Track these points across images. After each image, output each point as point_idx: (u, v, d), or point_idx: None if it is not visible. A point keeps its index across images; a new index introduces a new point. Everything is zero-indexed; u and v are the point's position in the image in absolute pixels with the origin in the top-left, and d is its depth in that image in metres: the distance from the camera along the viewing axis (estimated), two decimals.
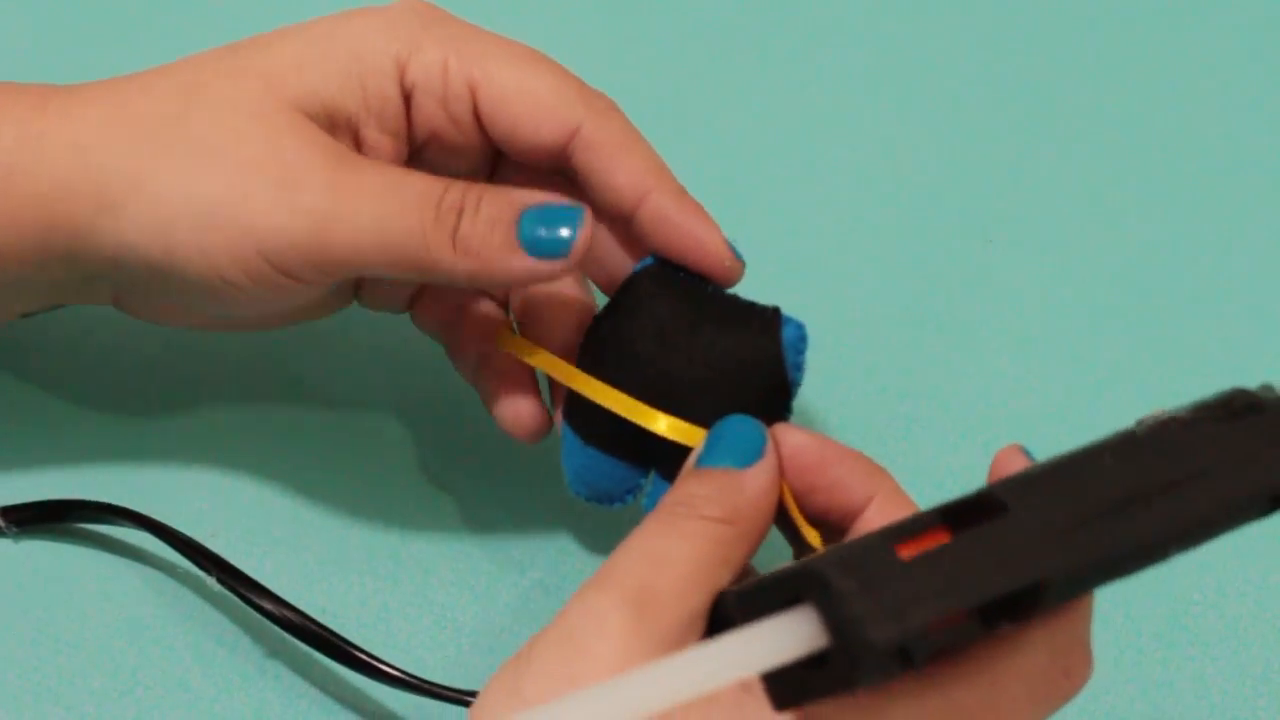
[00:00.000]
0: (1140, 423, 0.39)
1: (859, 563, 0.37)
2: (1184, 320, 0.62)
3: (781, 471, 0.45)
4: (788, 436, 0.46)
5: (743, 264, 0.50)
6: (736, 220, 0.63)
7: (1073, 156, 0.66)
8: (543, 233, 0.47)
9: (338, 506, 0.55)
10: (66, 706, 0.51)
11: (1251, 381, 0.60)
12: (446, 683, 0.50)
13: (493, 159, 0.52)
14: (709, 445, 0.45)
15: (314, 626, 0.50)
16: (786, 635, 0.37)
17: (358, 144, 0.49)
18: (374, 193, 0.46)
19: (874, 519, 0.45)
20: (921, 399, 0.59)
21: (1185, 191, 0.65)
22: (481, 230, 0.47)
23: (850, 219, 0.63)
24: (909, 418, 0.59)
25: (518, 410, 0.51)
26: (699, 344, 0.48)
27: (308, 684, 0.52)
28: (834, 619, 0.36)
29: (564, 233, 0.46)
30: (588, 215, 0.47)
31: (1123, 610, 0.56)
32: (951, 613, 0.36)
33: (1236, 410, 0.39)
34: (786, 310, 0.49)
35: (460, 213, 0.47)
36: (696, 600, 0.41)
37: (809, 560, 0.38)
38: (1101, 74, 0.68)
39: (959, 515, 0.38)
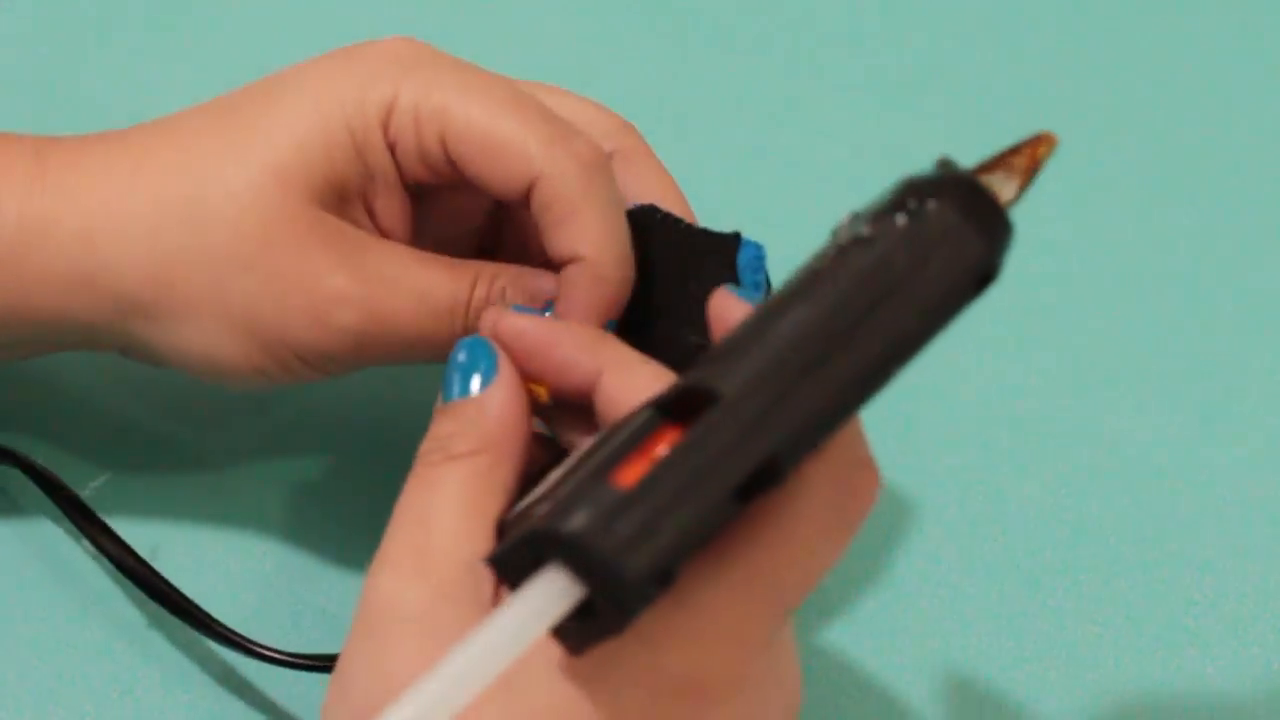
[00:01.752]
0: (824, 252, 0.38)
1: (587, 503, 0.36)
2: (1184, 320, 0.62)
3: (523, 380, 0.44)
4: (504, 324, 0.44)
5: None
6: (735, 220, 0.63)
7: (1073, 155, 0.65)
8: None
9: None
10: None
11: (1254, 382, 0.60)
12: None
13: (495, 203, 0.52)
14: (445, 380, 0.44)
15: (186, 604, 0.50)
16: (547, 598, 0.36)
17: (371, 214, 0.49)
18: (408, 310, 0.47)
19: (610, 393, 0.43)
20: (921, 399, 0.59)
21: (1186, 191, 0.65)
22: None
23: None
24: (909, 418, 0.59)
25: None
26: (671, 279, 0.49)
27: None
28: (583, 571, 0.36)
29: None
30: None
31: (1123, 610, 0.56)
32: (692, 524, 0.36)
33: (911, 209, 0.38)
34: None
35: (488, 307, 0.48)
36: (475, 542, 0.41)
37: (540, 518, 0.37)
38: (1101, 74, 0.68)
39: (673, 410, 0.38)
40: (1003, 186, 0.40)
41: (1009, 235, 0.39)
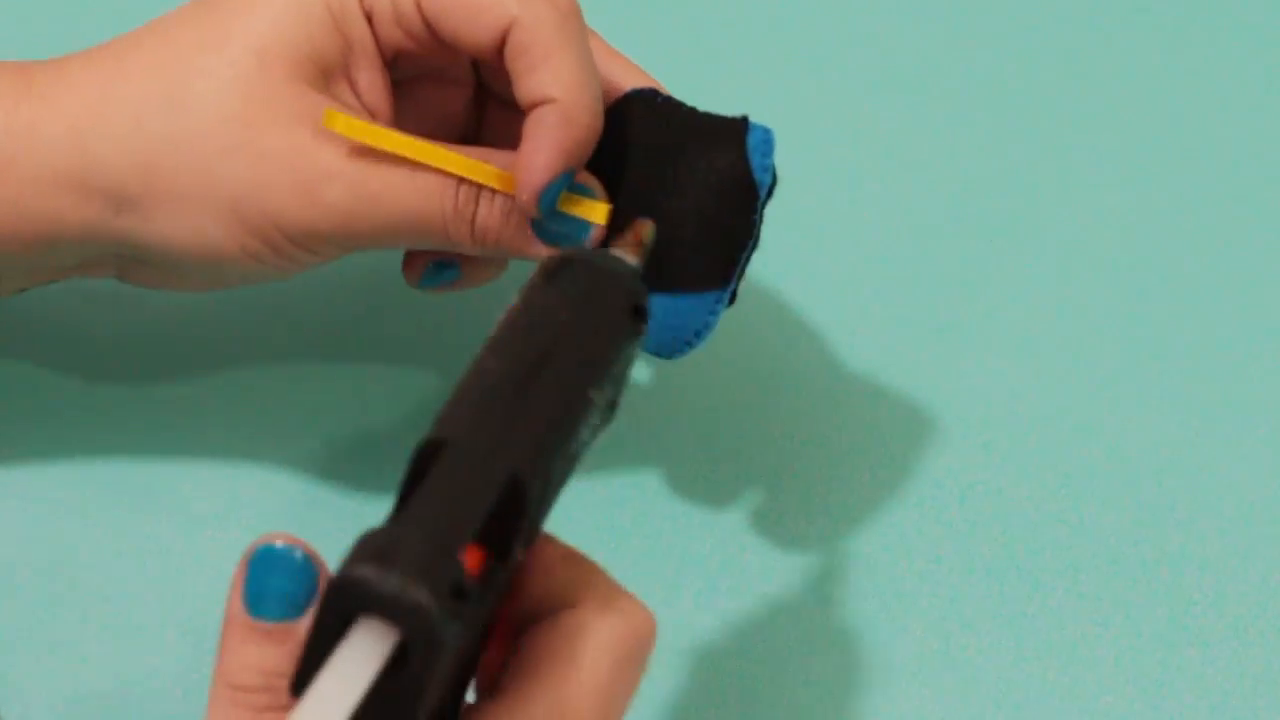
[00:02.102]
0: (505, 313, 0.42)
1: (361, 552, 0.37)
2: (1184, 320, 0.62)
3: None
4: None
5: (536, 214, 0.49)
6: None
7: (1075, 157, 0.66)
8: (555, 228, 0.49)
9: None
10: None
11: (1254, 382, 0.60)
12: None
13: (477, 93, 0.52)
14: (257, 590, 0.40)
15: None
16: (362, 653, 0.36)
17: (354, 88, 0.49)
18: (396, 186, 0.48)
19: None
20: (922, 398, 0.59)
21: (1187, 192, 0.65)
22: (497, 219, 0.48)
23: (850, 219, 0.63)
24: (909, 417, 0.59)
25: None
26: (672, 159, 0.50)
27: None
28: (379, 610, 0.36)
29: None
30: (603, 196, 0.49)
31: (1123, 610, 0.56)
32: (454, 538, 0.37)
33: (552, 271, 0.42)
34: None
35: (478, 198, 0.48)
36: None
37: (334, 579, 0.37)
38: (1105, 74, 0.68)
39: (421, 465, 0.39)
40: (625, 255, 0.44)
41: (638, 280, 0.43)
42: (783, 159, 0.63)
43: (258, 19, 0.48)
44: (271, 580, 0.39)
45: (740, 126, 0.50)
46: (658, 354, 0.51)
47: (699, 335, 0.51)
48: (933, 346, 0.61)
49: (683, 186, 0.50)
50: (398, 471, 0.56)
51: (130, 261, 0.50)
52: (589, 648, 0.40)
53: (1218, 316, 0.62)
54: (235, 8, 0.48)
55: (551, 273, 0.42)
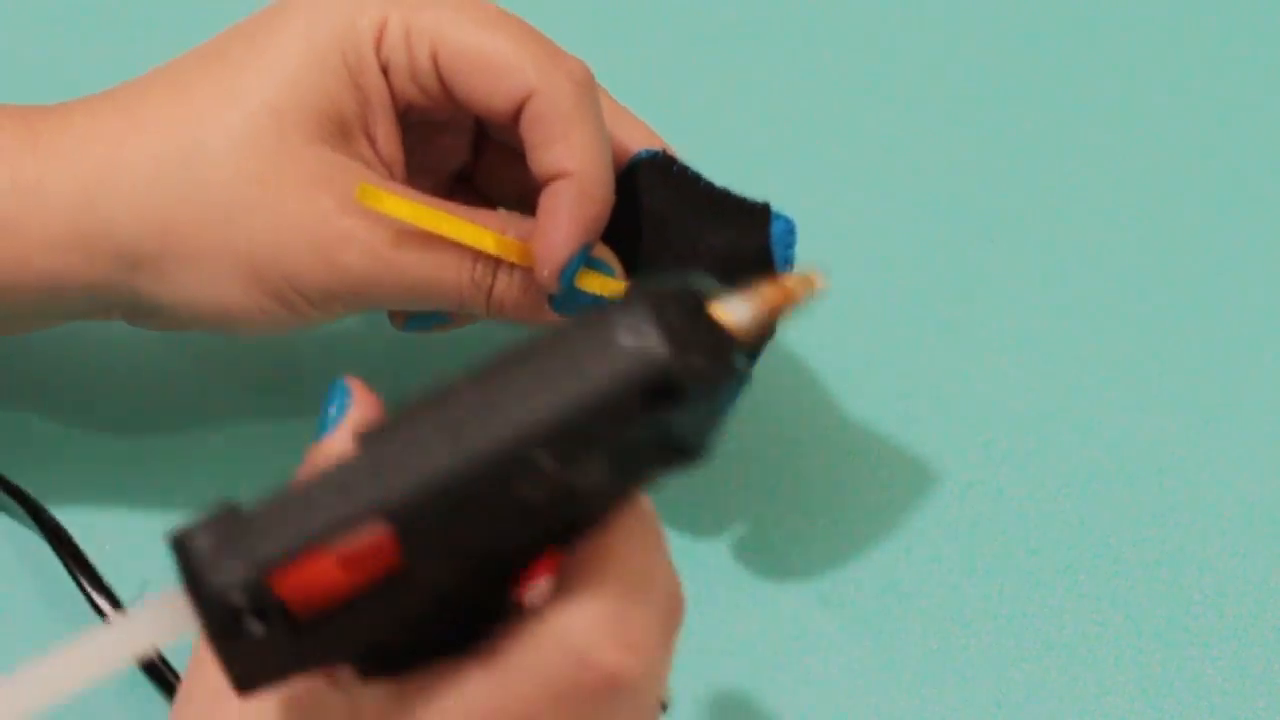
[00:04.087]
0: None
1: (212, 525, 0.35)
2: (1184, 320, 0.62)
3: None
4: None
5: (558, 290, 0.48)
6: None
7: (1075, 155, 0.66)
8: (570, 301, 0.49)
9: None
10: None
11: (1254, 382, 0.60)
12: None
13: (476, 136, 0.52)
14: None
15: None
16: (157, 618, 0.35)
17: (371, 142, 0.49)
18: (413, 254, 0.47)
19: None
20: (921, 399, 0.59)
21: (1187, 191, 0.65)
22: (515, 292, 0.48)
23: (850, 218, 0.63)
24: (909, 418, 0.59)
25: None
26: (689, 236, 0.49)
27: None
28: (187, 584, 0.35)
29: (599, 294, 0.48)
30: (619, 273, 0.48)
31: (1123, 611, 0.56)
32: (293, 552, 0.35)
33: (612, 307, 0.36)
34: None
35: (496, 271, 0.48)
36: None
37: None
38: (1104, 73, 0.68)
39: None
40: (737, 309, 0.36)
41: (711, 355, 0.36)
42: (783, 158, 0.63)
43: (274, 74, 0.47)
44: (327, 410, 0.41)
45: (764, 215, 0.49)
46: None
47: None
48: (933, 346, 0.61)
49: (691, 258, 0.49)
50: None
51: (140, 312, 0.49)
52: (522, 663, 0.36)
53: (1218, 316, 0.62)
54: (248, 61, 0.47)
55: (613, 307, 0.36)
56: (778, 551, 0.56)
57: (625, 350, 0.35)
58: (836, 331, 0.60)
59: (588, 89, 0.48)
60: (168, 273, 0.47)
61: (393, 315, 0.52)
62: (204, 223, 0.46)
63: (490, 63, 0.47)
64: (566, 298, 0.49)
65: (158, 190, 0.47)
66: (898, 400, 0.59)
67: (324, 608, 0.35)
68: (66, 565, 0.52)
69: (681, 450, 0.36)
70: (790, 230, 0.49)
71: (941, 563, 0.56)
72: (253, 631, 0.35)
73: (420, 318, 0.51)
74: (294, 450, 0.57)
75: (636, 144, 0.51)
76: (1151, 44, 0.68)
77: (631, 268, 0.49)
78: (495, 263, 0.48)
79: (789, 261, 0.49)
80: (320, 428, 0.41)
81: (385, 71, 0.48)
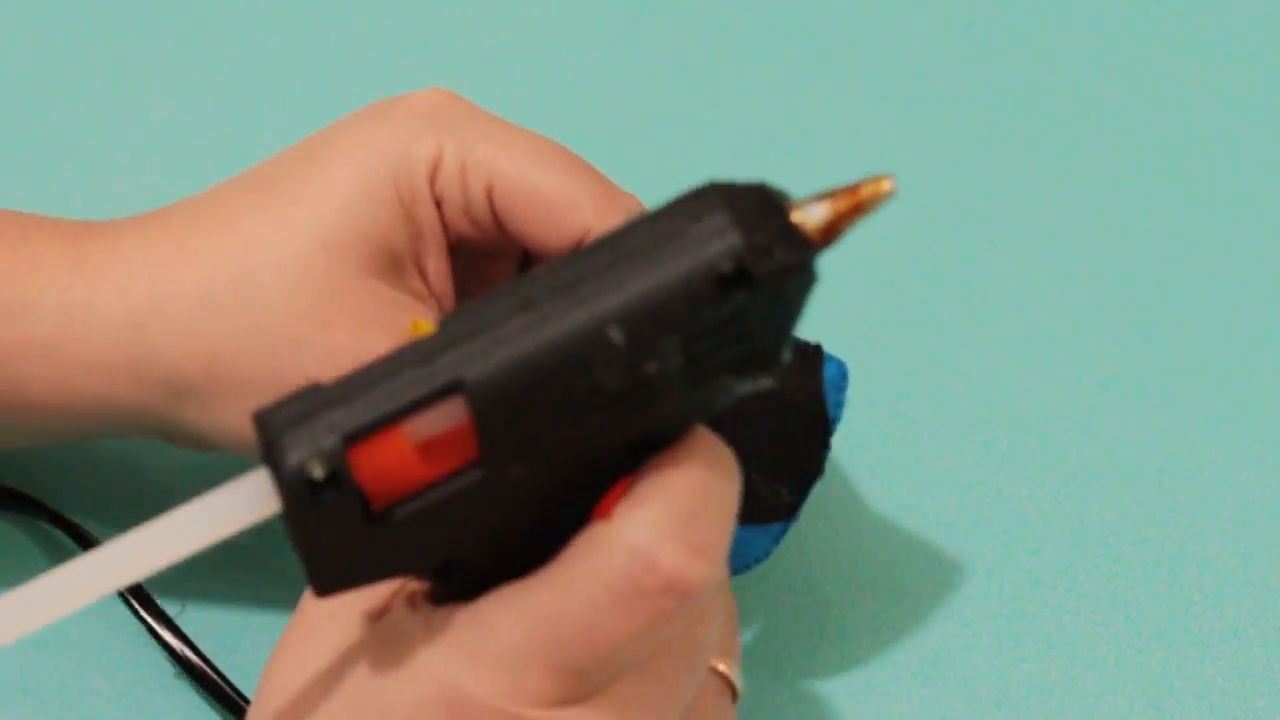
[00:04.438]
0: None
1: (292, 401, 0.36)
2: (1184, 320, 0.62)
3: None
4: None
5: None
6: None
7: (1074, 156, 0.66)
8: None
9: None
10: None
11: (1254, 382, 0.60)
12: None
13: (522, 260, 0.51)
14: None
15: (210, 674, 0.50)
16: (238, 497, 0.36)
17: (422, 275, 0.48)
18: None
19: None
20: (921, 399, 0.59)
21: (1186, 191, 0.65)
22: None
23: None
24: (909, 418, 0.59)
25: None
26: None
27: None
28: (265, 457, 0.35)
29: None
30: None
31: (1123, 610, 0.56)
32: (370, 424, 0.35)
33: (686, 197, 0.37)
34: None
35: None
36: None
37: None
38: (1103, 73, 0.68)
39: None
40: (811, 210, 0.38)
41: (784, 247, 0.37)
42: (782, 158, 0.63)
43: (325, 205, 0.46)
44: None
45: (816, 358, 0.48)
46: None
47: (759, 561, 0.50)
48: (933, 346, 0.61)
49: (753, 412, 0.46)
50: None
51: (180, 437, 0.49)
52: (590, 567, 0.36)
53: (1218, 317, 0.62)
54: (301, 188, 0.47)
55: (686, 197, 0.37)
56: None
57: (700, 234, 0.36)
58: (837, 331, 0.60)
59: None
60: (212, 403, 0.46)
61: None
62: (252, 355, 0.46)
63: (547, 199, 0.46)
64: None
65: (206, 319, 0.46)
66: (898, 400, 0.59)
67: (401, 496, 0.36)
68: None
69: (753, 353, 0.37)
70: (842, 374, 0.48)
71: (941, 563, 0.56)
72: (330, 503, 0.35)
73: None
74: None
75: None
76: (1151, 44, 0.68)
77: None
78: None
79: (839, 404, 0.48)
80: None
81: (439, 204, 0.47)
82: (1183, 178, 0.65)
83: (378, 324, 0.46)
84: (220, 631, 0.53)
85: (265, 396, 0.45)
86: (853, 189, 0.38)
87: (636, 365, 0.36)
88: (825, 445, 0.48)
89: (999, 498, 0.58)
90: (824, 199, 0.38)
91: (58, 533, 0.53)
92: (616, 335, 0.35)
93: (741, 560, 0.49)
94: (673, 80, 0.67)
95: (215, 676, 0.50)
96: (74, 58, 0.65)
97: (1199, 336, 0.61)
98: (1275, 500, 0.58)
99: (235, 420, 0.46)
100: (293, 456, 0.35)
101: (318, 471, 0.35)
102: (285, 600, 0.52)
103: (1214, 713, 0.54)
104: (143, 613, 0.51)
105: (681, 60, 0.67)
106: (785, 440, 0.46)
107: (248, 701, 0.49)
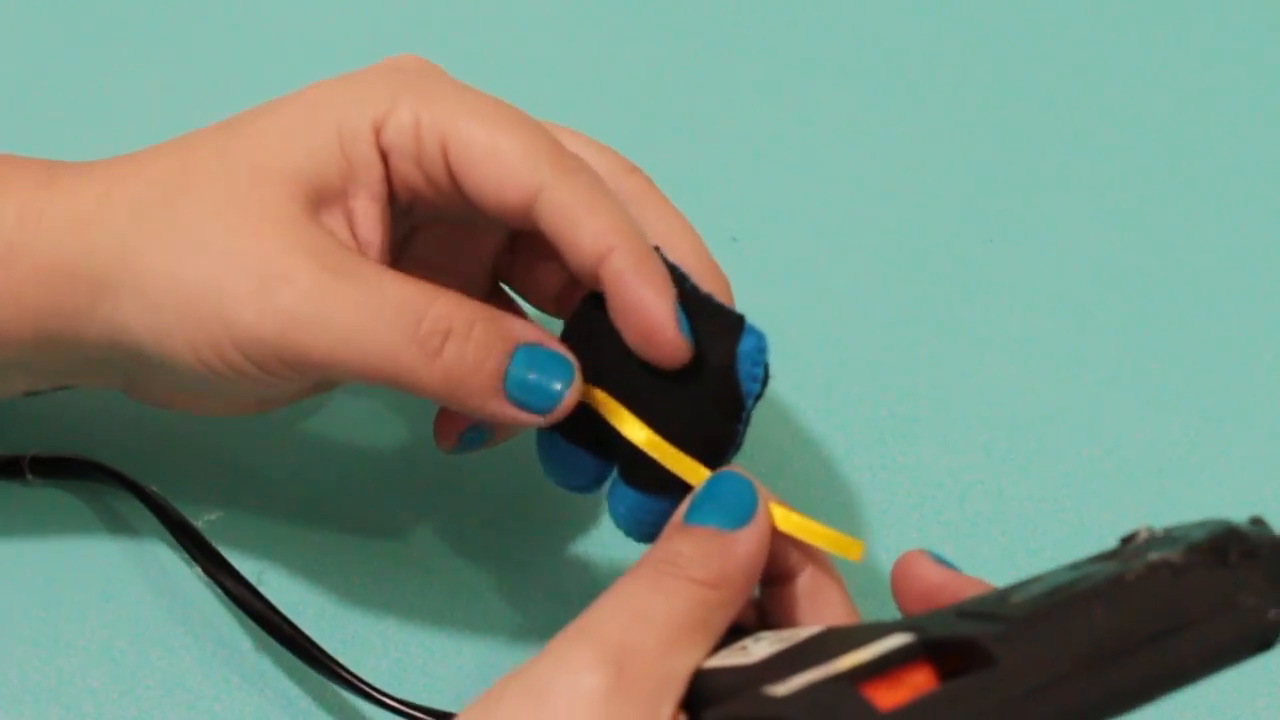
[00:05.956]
0: (1127, 557, 0.39)
1: (829, 709, 0.36)
2: (1184, 320, 0.62)
3: (771, 529, 0.45)
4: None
5: (687, 343, 0.46)
6: (736, 220, 0.63)
7: (1073, 156, 0.66)
8: (532, 377, 0.46)
9: (346, 508, 0.56)
10: (65, 706, 0.52)
11: (1254, 382, 0.60)
12: (431, 700, 0.50)
13: (512, 239, 0.52)
14: (699, 502, 0.44)
15: (294, 633, 0.50)
16: None
17: (349, 216, 0.48)
18: (352, 301, 0.45)
19: (807, 593, 0.45)
20: (921, 399, 0.59)
21: (1186, 192, 0.65)
22: (470, 361, 0.46)
23: (850, 218, 0.63)
24: (909, 418, 0.59)
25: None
26: None
27: (293, 684, 0.52)
28: None
29: (556, 386, 0.46)
30: (579, 374, 0.46)
31: None
32: None
33: (1227, 555, 0.38)
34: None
35: (448, 336, 0.45)
36: (675, 662, 0.40)
37: (772, 698, 0.37)
38: (1102, 73, 0.68)
39: (939, 655, 0.37)
40: None
41: None
42: (782, 158, 0.63)
43: (264, 134, 0.47)
44: (720, 489, 0.45)
45: (737, 328, 0.47)
46: (626, 534, 0.49)
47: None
48: (933, 346, 0.61)
49: (669, 380, 0.47)
50: (408, 480, 0.56)
51: (124, 372, 0.50)
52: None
53: (1217, 317, 0.62)
54: (248, 126, 0.48)
55: (1229, 560, 0.38)
56: None
57: (1248, 605, 0.37)
58: (837, 332, 0.61)
59: (601, 180, 0.47)
60: (120, 297, 0.47)
61: (440, 437, 0.52)
62: (157, 250, 0.46)
63: (503, 160, 0.47)
64: (523, 385, 0.46)
65: (136, 223, 0.47)
66: (898, 400, 0.59)
67: None
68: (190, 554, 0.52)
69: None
70: (760, 347, 0.47)
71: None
72: None
73: (467, 441, 0.51)
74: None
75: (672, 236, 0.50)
76: (1152, 46, 0.68)
77: (611, 380, 0.47)
78: (449, 322, 0.46)
79: (755, 378, 0.48)
80: (701, 510, 0.44)
81: (387, 155, 0.48)
82: (1183, 178, 0.65)
83: (278, 230, 0.46)
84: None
85: (163, 296, 0.46)
86: None
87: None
88: (738, 419, 0.48)
89: (999, 498, 0.58)
90: None
91: (138, 504, 0.53)
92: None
93: (650, 529, 0.48)
94: (673, 80, 0.67)
95: (303, 640, 0.51)
96: (73, 57, 0.66)
97: (1199, 337, 0.61)
98: (1276, 500, 0.58)
99: (135, 317, 0.47)
100: None
101: None
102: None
103: (1214, 713, 0.54)
104: (227, 583, 0.52)
105: (682, 60, 0.67)
106: (695, 409, 0.46)
107: (336, 661, 0.50)
